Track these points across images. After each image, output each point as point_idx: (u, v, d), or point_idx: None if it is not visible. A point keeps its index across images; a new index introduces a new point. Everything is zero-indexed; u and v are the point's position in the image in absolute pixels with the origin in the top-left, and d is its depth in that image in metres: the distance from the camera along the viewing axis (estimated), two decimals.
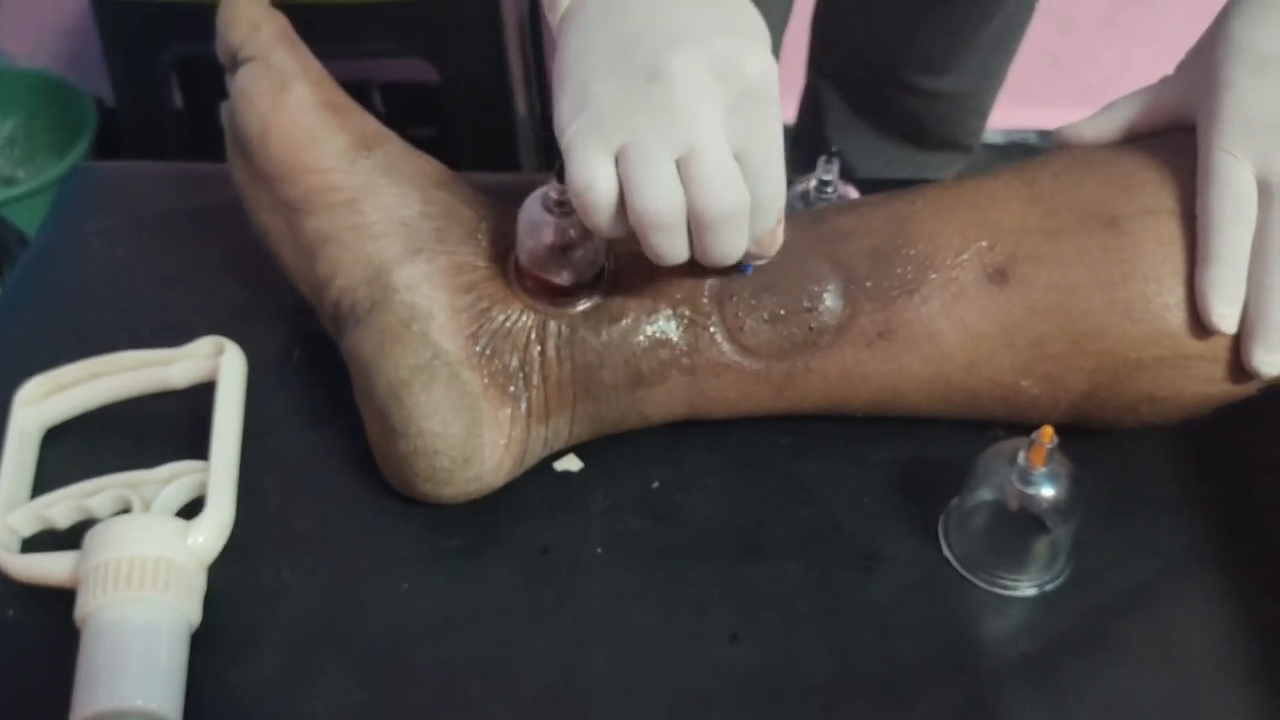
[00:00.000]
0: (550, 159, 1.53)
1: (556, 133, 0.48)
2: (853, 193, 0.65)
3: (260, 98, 0.56)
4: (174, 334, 0.60)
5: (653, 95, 0.46)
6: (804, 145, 1.17)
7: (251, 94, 0.57)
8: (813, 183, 0.63)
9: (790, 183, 0.66)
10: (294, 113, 0.56)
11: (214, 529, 0.51)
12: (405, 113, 1.50)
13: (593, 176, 0.46)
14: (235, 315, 0.64)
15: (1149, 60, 1.72)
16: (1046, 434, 0.50)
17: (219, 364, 0.56)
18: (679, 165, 0.46)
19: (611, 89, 0.46)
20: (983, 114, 1.07)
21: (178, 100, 1.36)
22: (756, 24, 0.48)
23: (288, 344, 0.64)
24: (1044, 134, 1.70)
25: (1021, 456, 0.51)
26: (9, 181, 1.59)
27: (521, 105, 1.37)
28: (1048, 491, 0.51)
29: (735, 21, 0.48)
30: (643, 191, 0.46)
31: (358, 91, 1.53)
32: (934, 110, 1.04)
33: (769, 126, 0.47)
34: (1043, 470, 0.51)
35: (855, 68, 1.07)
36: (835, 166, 0.63)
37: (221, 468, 0.53)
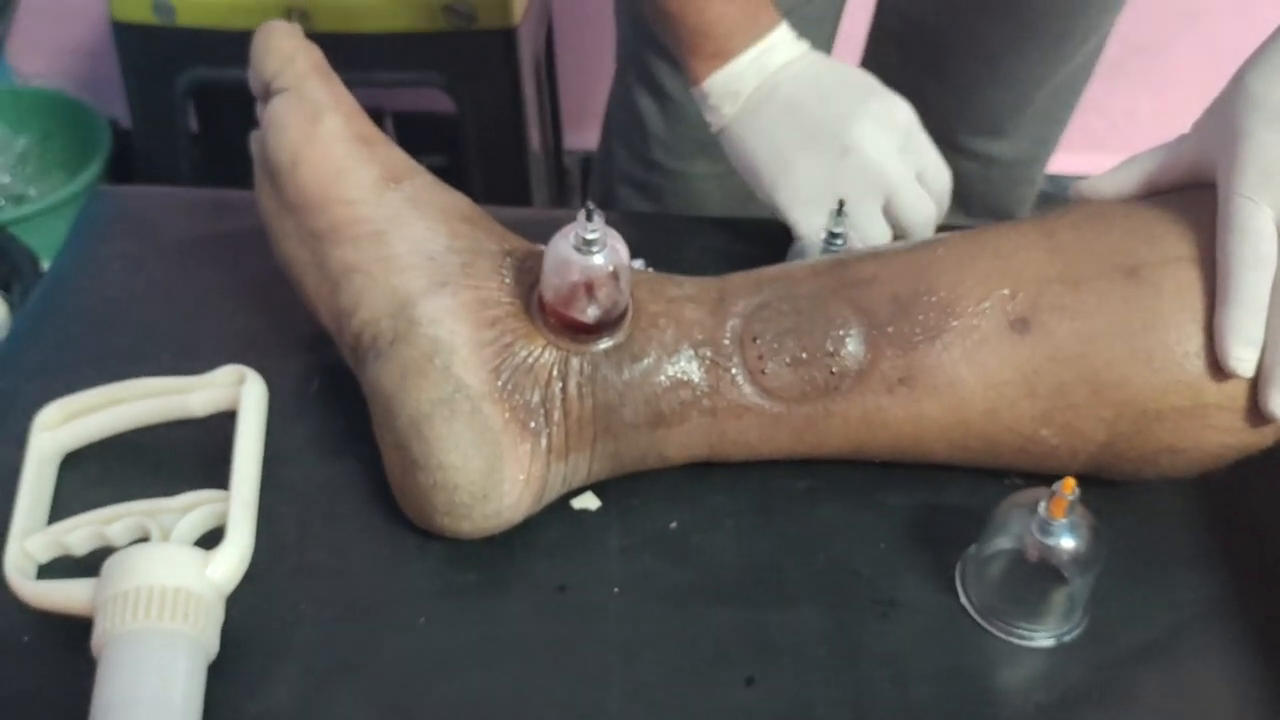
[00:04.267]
0: (561, 192, 1.54)
1: (763, 198, 0.68)
2: (859, 245, 0.65)
3: (292, 128, 0.57)
4: (193, 361, 0.60)
5: (850, 165, 0.65)
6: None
7: (284, 124, 0.57)
8: (822, 234, 0.64)
9: (798, 236, 0.67)
10: (325, 144, 0.57)
11: (233, 560, 0.51)
12: (418, 141, 1.50)
13: (812, 227, 0.66)
14: (254, 344, 0.65)
15: (1155, 107, 1.73)
16: (1068, 485, 0.50)
17: (240, 393, 0.56)
18: (885, 205, 0.66)
19: (815, 165, 0.66)
20: (1033, 183, 1.05)
21: (193, 124, 1.37)
22: (873, 80, 0.68)
23: (307, 373, 0.64)
24: (1050, 178, 1.70)
25: (1042, 507, 0.51)
26: (20, 199, 1.59)
27: (535, 138, 1.37)
28: (1068, 543, 0.51)
29: (869, 85, 0.67)
30: (866, 237, 0.66)
31: (372, 119, 1.56)
32: (986, 176, 1.01)
33: (928, 146, 0.68)
34: (1063, 522, 0.51)
35: None
36: (846, 219, 0.63)
37: (241, 498, 0.53)
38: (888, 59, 0.99)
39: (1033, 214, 1.06)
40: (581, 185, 1.56)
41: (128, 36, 1.24)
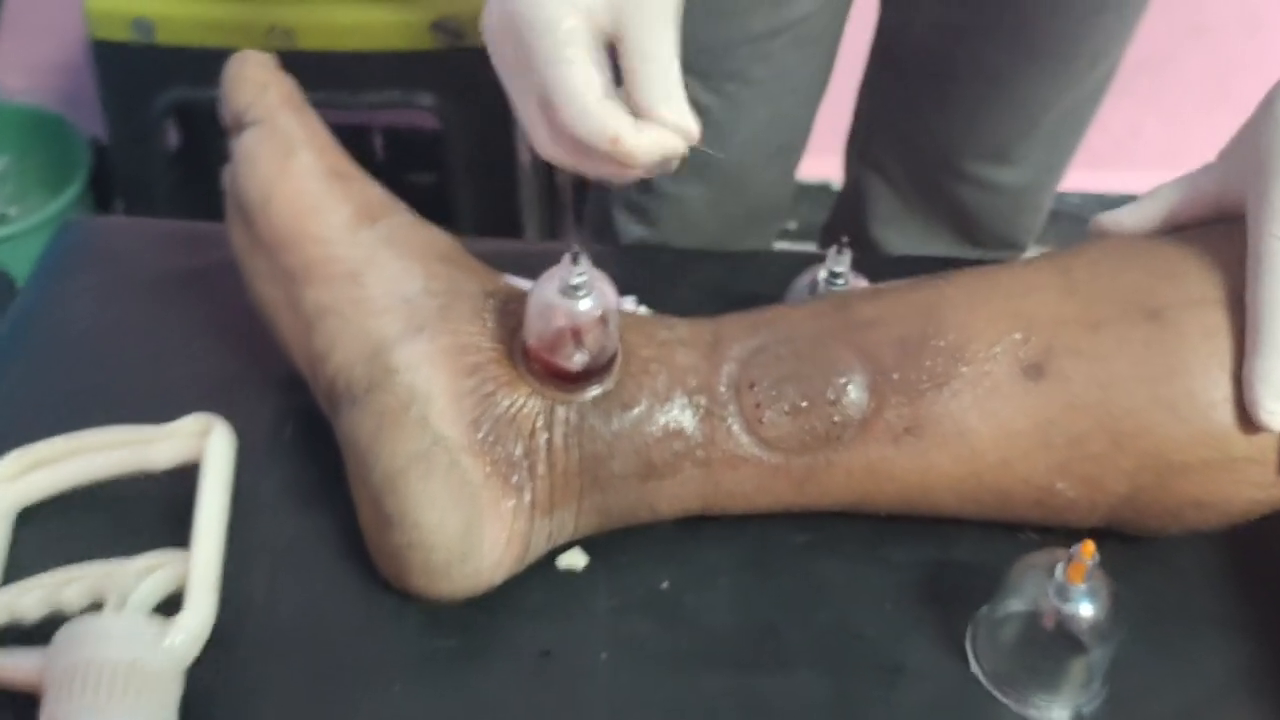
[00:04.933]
0: (553, 212, 1.50)
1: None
2: (862, 284, 0.62)
3: (264, 163, 0.54)
4: (161, 403, 0.57)
5: None
6: (841, 238, 1.08)
7: (255, 159, 0.55)
8: (822, 274, 0.61)
9: (799, 272, 0.63)
10: (298, 180, 0.54)
11: (193, 630, 0.48)
12: (406, 159, 1.49)
13: None
14: (226, 385, 0.61)
15: (1160, 125, 1.71)
16: (1088, 550, 0.47)
17: (205, 445, 0.53)
18: None
19: None
20: (1040, 211, 1.01)
21: (174, 142, 1.34)
22: None
23: (280, 418, 0.60)
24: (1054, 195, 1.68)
25: (1059, 571, 0.48)
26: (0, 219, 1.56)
27: (525, 158, 1.34)
28: (1086, 610, 0.47)
29: None
30: None
31: (358, 137, 1.53)
32: (992, 205, 0.97)
33: None
34: (1082, 588, 0.47)
35: (908, 157, 0.99)
36: (847, 257, 0.60)
37: (203, 561, 0.49)
38: (887, 84, 0.96)
39: (1043, 240, 1.02)
40: (574, 205, 1.53)
41: (106, 55, 1.21)
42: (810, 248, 1.35)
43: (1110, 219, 0.56)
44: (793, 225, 1.66)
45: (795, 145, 0.92)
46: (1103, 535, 0.49)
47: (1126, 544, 0.54)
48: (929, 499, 0.54)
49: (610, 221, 0.94)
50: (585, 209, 1.02)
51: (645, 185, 0.90)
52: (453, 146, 1.31)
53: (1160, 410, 0.50)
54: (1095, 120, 1.61)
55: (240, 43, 0.58)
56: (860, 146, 1.03)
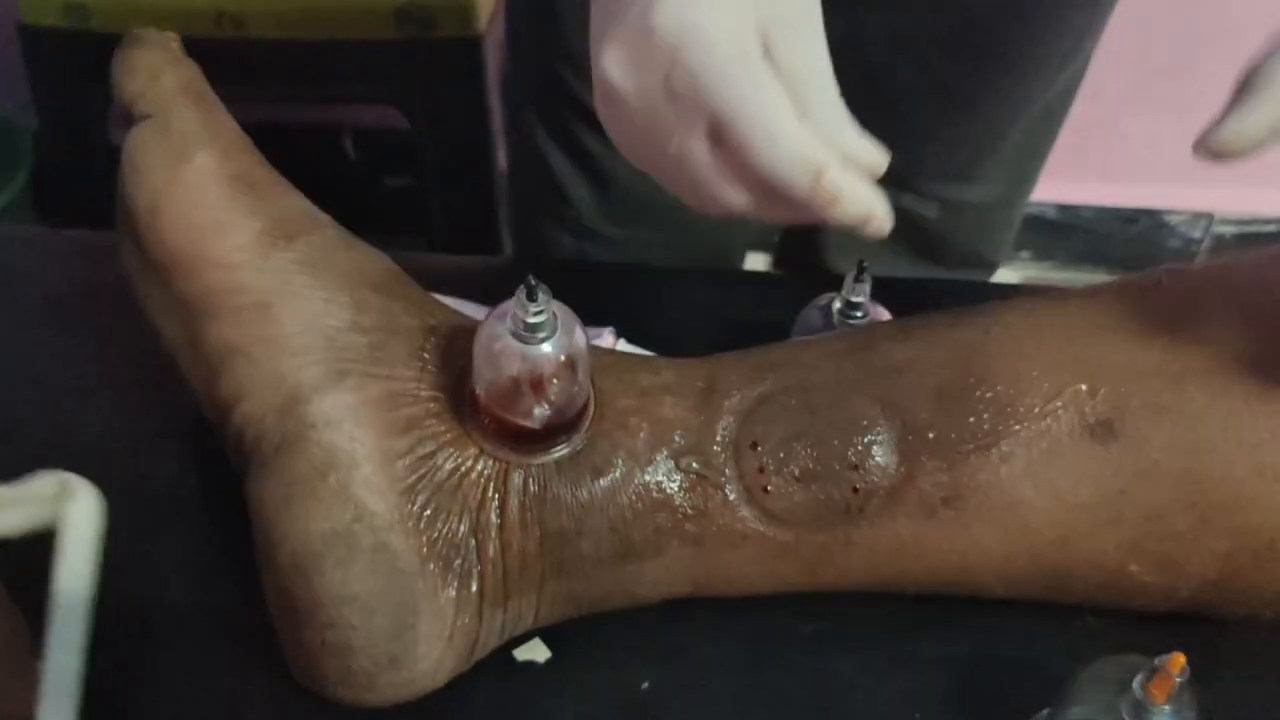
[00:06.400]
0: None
1: None
2: (885, 317, 0.52)
3: (153, 168, 0.45)
4: (44, 449, 0.47)
5: None
6: (797, 266, 1.00)
7: (142, 161, 0.45)
8: (837, 304, 0.51)
9: (807, 301, 0.54)
10: (193, 189, 0.44)
11: None
12: (379, 161, 1.42)
13: None
14: (121, 427, 0.53)
15: (1179, 134, 1.62)
16: (1177, 664, 0.38)
17: (63, 513, 0.43)
18: None
19: None
20: (1011, 225, 0.92)
21: (118, 139, 1.24)
22: None
23: (183, 472, 0.51)
24: (1063, 208, 1.59)
25: (1137, 685, 0.39)
26: None
27: (503, 159, 1.25)
28: None
29: None
30: None
31: (326, 137, 1.44)
32: (957, 223, 0.87)
33: None
34: (1166, 709, 0.38)
35: None
36: (867, 286, 0.50)
37: (58, 681, 0.39)
38: None
39: (1058, 258, 0.93)
40: None
41: (36, 41, 1.13)
42: None
43: (1231, 134, 0.40)
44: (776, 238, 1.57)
45: None
46: (1172, 618, 0.44)
47: (1202, 629, 0.45)
48: (968, 581, 0.46)
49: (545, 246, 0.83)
50: (515, 230, 0.91)
51: (581, 228, 0.80)
52: (424, 146, 1.23)
53: (1264, 481, 0.42)
54: (1111, 130, 1.52)
55: (184, 30, 0.48)
56: None
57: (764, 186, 0.40)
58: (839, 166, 0.39)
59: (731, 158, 0.40)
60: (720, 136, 0.39)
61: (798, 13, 0.40)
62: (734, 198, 0.41)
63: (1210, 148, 0.41)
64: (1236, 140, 0.40)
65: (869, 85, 0.79)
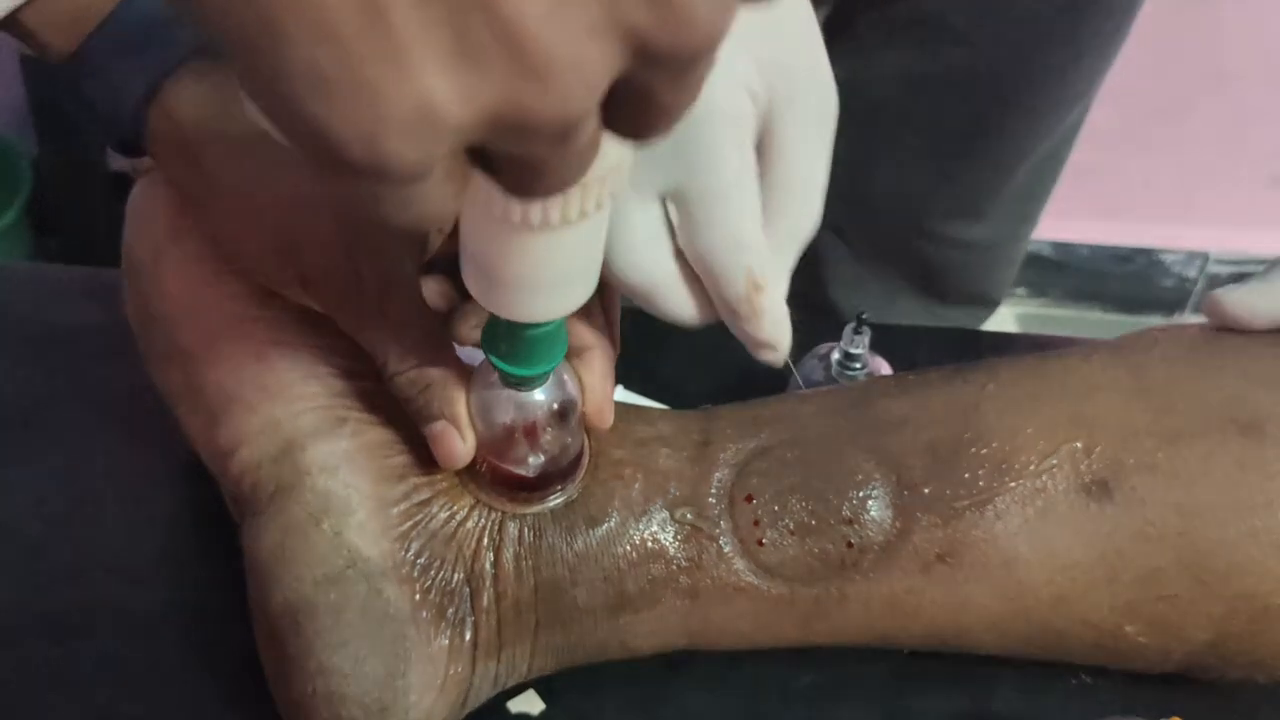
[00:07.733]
0: None
1: None
2: (884, 369, 0.52)
3: (155, 218, 0.45)
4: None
5: None
6: (800, 306, 0.96)
7: (145, 212, 0.45)
8: (836, 354, 0.51)
9: (807, 343, 0.54)
10: (194, 240, 0.44)
11: None
12: None
13: None
14: (119, 470, 0.52)
15: (1175, 175, 1.63)
16: None
17: None
18: None
19: None
20: (1013, 263, 0.92)
21: (117, 164, 1.24)
22: None
23: (178, 511, 0.50)
24: (1059, 246, 1.59)
25: None
26: None
27: None
28: None
29: None
30: None
31: None
32: (962, 262, 0.88)
33: None
34: None
35: (867, 218, 0.88)
36: (866, 338, 0.50)
37: None
38: (838, 141, 0.85)
39: (1050, 295, 0.93)
40: None
41: (36, 66, 1.11)
42: None
43: (1239, 303, 0.45)
44: None
45: None
46: (1167, 679, 0.43)
47: (1202, 692, 0.45)
48: (963, 637, 0.45)
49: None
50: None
51: None
52: None
53: (1258, 546, 0.42)
54: (1107, 170, 1.53)
55: None
56: None
57: (710, 276, 0.40)
58: (777, 289, 0.40)
59: (690, 232, 0.40)
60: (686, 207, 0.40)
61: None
62: (662, 276, 0.41)
63: (1217, 311, 0.44)
64: (1244, 313, 0.44)
65: (879, 126, 0.80)
